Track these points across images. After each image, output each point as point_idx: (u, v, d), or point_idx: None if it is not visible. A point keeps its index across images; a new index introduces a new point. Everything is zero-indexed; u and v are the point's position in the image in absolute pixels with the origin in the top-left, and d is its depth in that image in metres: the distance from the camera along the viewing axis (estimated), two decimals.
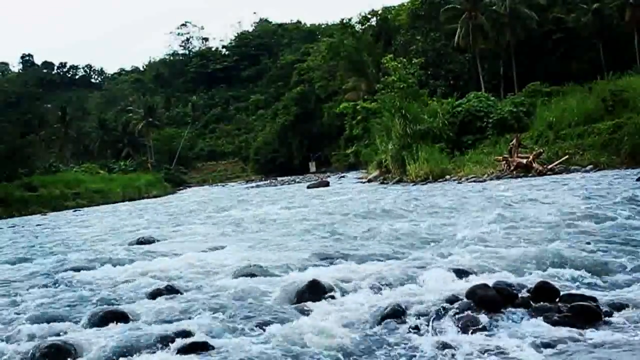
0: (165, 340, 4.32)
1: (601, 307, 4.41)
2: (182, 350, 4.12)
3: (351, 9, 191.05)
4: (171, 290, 5.97)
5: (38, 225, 21.40)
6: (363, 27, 64.32)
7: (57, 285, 7.02)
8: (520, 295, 4.76)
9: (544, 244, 7.03)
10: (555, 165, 21.92)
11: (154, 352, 4.16)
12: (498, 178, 22.35)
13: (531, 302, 4.60)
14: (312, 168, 69.31)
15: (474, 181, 22.48)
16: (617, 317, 4.28)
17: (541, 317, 4.31)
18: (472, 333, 4.15)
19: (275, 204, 20.12)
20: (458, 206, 12.80)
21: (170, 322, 4.87)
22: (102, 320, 4.94)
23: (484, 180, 22.18)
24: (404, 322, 4.45)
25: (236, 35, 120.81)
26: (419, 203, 14.63)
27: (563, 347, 3.79)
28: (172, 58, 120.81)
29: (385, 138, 31.58)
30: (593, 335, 3.97)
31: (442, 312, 4.50)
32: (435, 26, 49.22)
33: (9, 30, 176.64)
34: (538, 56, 44.07)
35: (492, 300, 4.54)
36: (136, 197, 43.55)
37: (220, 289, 5.94)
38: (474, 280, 5.34)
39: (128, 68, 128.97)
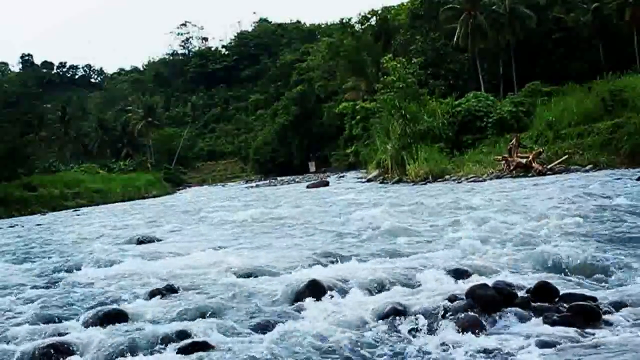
0: (165, 340, 4.32)
1: (601, 307, 4.40)
2: (182, 350, 4.11)
3: (351, 9, 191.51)
4: (171, 290, 5.96)
5: (38, 225, 21.37)
6: (363, 27, 64.27)
7: (56, 285, 7.01)
8: (519, 295, 4.75)
9: (543, 243, 7.03)
10: (555, 165, 21.92)
11: (154, 352, 4.16)
12: (498, 178, 22.34)
13: (531, 302, 4.60)
14: (312, 168, 69.27)
15: (474, 181, 22.48)
16: (617, 317, 4.28)
17: (541, 317, 4.30)
18: (471, 333, 4.14)
19: (275, 204, 20.13)
20: (458, 206, 12.79)
21: (169, 321, 4.87)
22: (101, 319, 4.93)
23: (484, 180, 22.18)
24: (404, 322, 4.44)
25: (236, 35, 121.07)
26: (419, 203, 14.62)
27: (562, 347, 3.78)
28: (171, 58, 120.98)
29: (384, 138, 31.58)
30: (593, 335, 3.96)
31: (442, 312, 4.50)
32: (434, 26, 49.22)
33: (9, 30, 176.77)
34: (538, 56, 44.08)
35: (491, 300, 4.53)
36: (136, 196, 43.48)
37: (220, 289, 5.94)
38: (473, 280, 5.35)
39: (128, 68, 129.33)
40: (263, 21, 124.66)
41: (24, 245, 13.27)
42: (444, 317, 4.43)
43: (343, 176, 45.90)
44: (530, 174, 21.69)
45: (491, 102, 32.03)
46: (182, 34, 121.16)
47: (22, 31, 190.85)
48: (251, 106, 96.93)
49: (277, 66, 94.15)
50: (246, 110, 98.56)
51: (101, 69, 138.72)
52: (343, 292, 5.41)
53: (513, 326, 4.26)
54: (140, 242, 11.06)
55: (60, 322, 5.08)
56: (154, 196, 45.18)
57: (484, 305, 4.48)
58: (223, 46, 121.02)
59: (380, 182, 29.42)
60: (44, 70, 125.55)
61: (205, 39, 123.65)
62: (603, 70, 34.16)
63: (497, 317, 4.38)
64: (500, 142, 27.08)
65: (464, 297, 4.70)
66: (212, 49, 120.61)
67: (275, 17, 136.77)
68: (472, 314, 4.38)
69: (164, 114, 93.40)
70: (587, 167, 20.76)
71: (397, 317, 4.53)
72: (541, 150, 23.15)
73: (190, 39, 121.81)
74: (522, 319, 4.35)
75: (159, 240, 11.32)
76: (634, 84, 25.36)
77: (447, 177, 24.98)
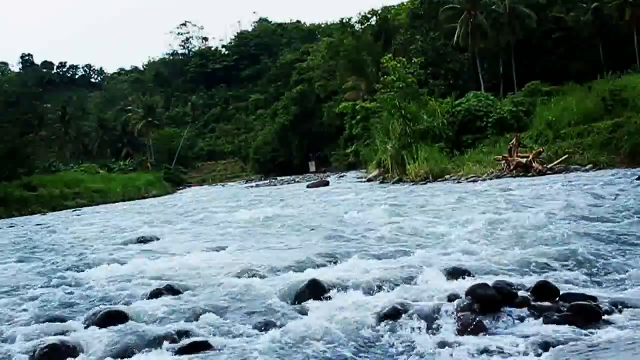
0: (165, 340, 4.32)
1: (601, 307, 4.40)
2: (182, 350, 4.12)
3: (351, 9, 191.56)
4: (171, 290, 5.96)
5: (38, 225, 21.38)
6: (363, 26, 64.25)
7: (56, 285, 7.00)
8: (520, 294, 4.75)
9: (543, 243, 7.03)
10: (555, 164, 21.93)
11: (154, 352, 4.16)
12: (498, 178, 22.34)
13: (531, 302, 4.60)
14: (312, 168, 69.26)
15: (474, 181, 22.48)
16: (617, 317, 4.28)
17: (541, 317, 4.30)
18: (471, 333, 4.15)
19: (275, 204, 20.12)
20: (458, 206, 12.80)
21: (170, 322, 4.87)
22: (102, 320, 4.94)
23: (484, 180, 22.17)
24: (404, 322, 4.44)
25: (236, 35, 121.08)
26: (419, 203, 14.62)
27: (563, 347, 3.78)
28: (172, 58, 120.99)
29: (385, 138, 31.58)
30: (593, 334, 3.96)
31: (442, 312, 4.50)
32: (435, 26, 49.20)
33: (9, 29, 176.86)
34: (538, 56, 44.06)
35: (492, 300, 4.53)
36: (136, 196, 43.53)
37: (220, 289, 5.93)
38: (473, 280, 5.34)
39: (128, 68, 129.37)
40: (263, 21, 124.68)
41: (24, 245, 13.28)
42: (444, 317, 4.43)
43: (343, 176, 45.90)
44: (530, 174, 21.69)
45: (491, 102, 32.02)
46: (182, 34, 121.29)
47: (22, 31, 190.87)
48: (251, 106, 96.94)
49: (277, 66, 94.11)
50: (246, 110, 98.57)
51: (101, 69, 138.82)
52: (344, 292, 5.41)
53: (513, 326, 4.26)
54: (140, 242, 11.07)
55: (61, 322, 5.08)
56: (154, 196, 45.20)
57: (485, 304, 4.48)
58: (223, 46, 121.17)
59: (381, 182, 29.42)
60: (44, 70, 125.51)
61: (206, 39, 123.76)
62: (603, 70, 34.17)
63: (497, 317, 4.38)
64: (501, 142, 27.08)
65: (464, 296, 4.70)
66: (213, 49, 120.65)
67: (275, 17, 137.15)
68: (472, 313, 4.39)
69: (164, 114, 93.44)
70: (588, 167, 20.77)
71: (398, 317, 4.52)
72: (541, 150, 23.15)
73: (191, 39, 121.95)
74: (523, 319, 4.35)
75: (159, 239, 11.32)
76: (634, 83, 25.37)
77: (447, 177, 24.98)
